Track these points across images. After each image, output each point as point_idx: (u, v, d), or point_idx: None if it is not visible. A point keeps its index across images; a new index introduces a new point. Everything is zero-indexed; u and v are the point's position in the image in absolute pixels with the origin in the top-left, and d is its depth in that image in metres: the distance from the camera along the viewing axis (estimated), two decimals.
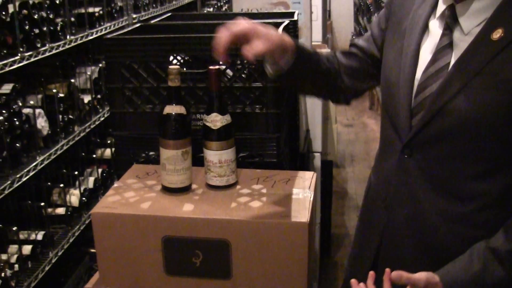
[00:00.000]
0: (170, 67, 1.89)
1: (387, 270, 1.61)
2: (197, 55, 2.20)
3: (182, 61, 2.30)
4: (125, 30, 2.41)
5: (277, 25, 2.28)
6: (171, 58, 2.24)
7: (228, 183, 1.97)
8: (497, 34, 1.57)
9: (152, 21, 2.68)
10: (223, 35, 1.63)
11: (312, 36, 3.91)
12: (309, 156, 3.61)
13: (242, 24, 1.65)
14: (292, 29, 2.52)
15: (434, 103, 1.65)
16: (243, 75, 2.11)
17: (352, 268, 2.11)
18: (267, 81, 2.08)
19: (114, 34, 2.27)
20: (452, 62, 1.66)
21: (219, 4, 7.56)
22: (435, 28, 1.73)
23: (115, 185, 2.02)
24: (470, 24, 1.64)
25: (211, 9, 7.12)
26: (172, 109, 1.90)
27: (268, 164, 2.15)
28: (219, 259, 1.80)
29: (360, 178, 6.02)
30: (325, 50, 4.14)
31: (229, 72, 2.16)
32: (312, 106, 3.63)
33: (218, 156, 1.94)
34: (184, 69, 2.15)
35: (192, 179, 1.98)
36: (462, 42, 1.65)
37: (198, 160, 2.03)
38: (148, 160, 2.22)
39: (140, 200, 1.90)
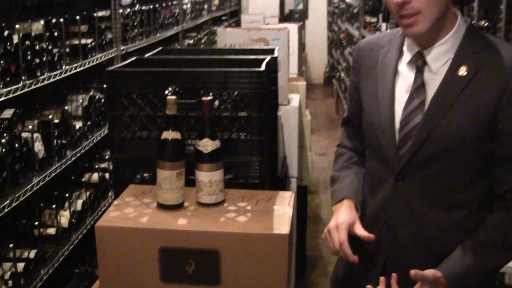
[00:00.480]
0: (168, 97, 2.14)
1: (394, 274, 1.90)
2: (188, 87, 2.45)
3: (173, 92, 2.53)
4: (124, 63, 2.67)
5: (259, 61, 2.55)
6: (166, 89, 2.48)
7: (217, 201, 2.21)
8: (462, 71, 1.90)
9: (146, 55, 2.93)
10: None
11: (291, 69, 4.18)
12: (286, 180, 3.86)
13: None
14: (273, 65, 2.78)
15: (420, 133, 1.94)
16: (228, 106, 2.37)
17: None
18: (251, 111, 2.34)
19: (115, 66, 2.52)
20: (428, 97, 1.96)
21: (198, 37, 7.85)
22: (406, 71, 2.03)
23: (115, 202, 2.25)
24: (437, 65, 1.95)
25: (191, 41, 7.39)
26: (169, 135, 2.15)
27: (251, 185, 2.40)
28: (210, 267, 2.04)
29: None
30: (302, 83, 4.42)
31: (216, 103, 2.40)
32: (289, 135, 3.86)
33: (208, 177, 2.18)
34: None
35: (185, 197, 2.21)
36: (432, 80, 1.96)
37: (189, 181, 2.27)
38: (143, 180, 2.45)
39: (138, 215, 2.14)
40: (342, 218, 2.05)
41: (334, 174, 2.31)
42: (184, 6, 7.15)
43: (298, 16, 12.83)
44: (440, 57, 1.95)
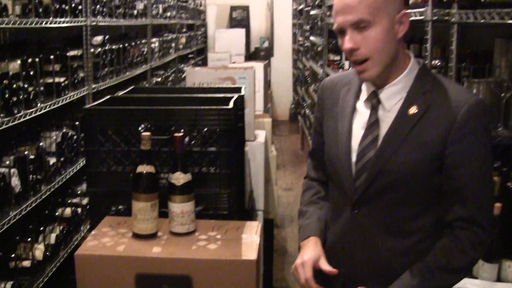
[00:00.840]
0: (143, 133, 2.31)
1: None
2: (161, 124, 2.60)
3: (146, 128, 2.68)
4: (100, 101, 2.82)
5: (227, 99, 2.72)
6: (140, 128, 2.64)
7: (189, 231, 2.36)
8: (412, 110, 2.06)
9: (120, 94, 3.08)
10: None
11: (257, 107, 4.35)
12: (253, 213, 4.01)
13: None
14: (240, 103, 2.95)
15: (374, 166, 2.10)
16: (199, 142, 2.53)
17: None
18: (220, 146, 2.51)
19: (92, 105, 2.68)
20: (382, 133, 2.12)
21: (166, 75, 8.03)
22: (363, 108, 2.19)
23: (93, 232, 2.39)
24: (390, 103, 2.12)
25: (159, 79, 7.56)
26: (144, 168, 2.30)
27: (221, 216, 2.55)
28: None
29: None
30: (267, 120, 4.59)
31: (186, 139, 2.56)
32: (255, 170, 4.01)
33: (180, 208, 2.33)
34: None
35: (158, 227, 2.36)
36: (386, 118, 2.12)
37: (162, 213, 2.41)
38: (118, 212, 2.60)
39: (115, 244, 2.28)
40: (308, 256, 2.20)
41: (302, 209, 2.45)
42: (152, 45, 7.32)
43: (264, 54, 13.09)
44: (393, 97, 2.12)
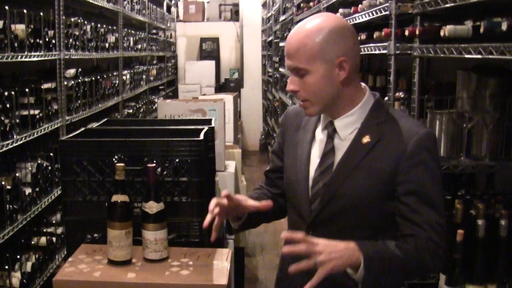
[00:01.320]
0: (117, 164, 2.43)
1: None
2: (134, 155, 2.71)
3: (120, 159, 2.79)
4: (74, 133, 2.93)
5: (198, 131, 2.84)
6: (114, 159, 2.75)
7: (162, 257, 2.47)
8: (365, 139, 2.21)
9: (94, 126, 3.20)
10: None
11: (227, 137, 4.49)
12: (224, 241, 4.11)
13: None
14: (211, 134, 3.08)
15: (327, 191, 2.24)
16: (171, 172, 2.65)
17: None
18: (191, 176, 2.63)
19: (67, 137, 2.80)
20: (336, 160, 2.27)
21: (137, 106, 8.14)
22: (320, 137, 2.35)
23: (70, 259, 2.49)
24: (345, 133, 2.27)
25: (131, 110, 7.66)
26: (118, 198, 2.42)
27: (192, 243, 2.67)
28: None
29: (270, 266, 6.49)
30: (237, 151, 4.72)
31: (159, 170, 2.67)
32: None
33: (154, 235, 2.44)
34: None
35: (132, 254, 2.47)
36: (341, 146, 2.27)
37: (136, 241, 2.52)
38: (94, 240, 2.70)
39: (91, 270, 2.38)
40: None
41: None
42: (124, 77, 7.44)
43: (234, 85, 13.24)
44: (348, 127, 2.27)
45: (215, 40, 14.04)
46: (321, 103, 2.22)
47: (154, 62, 11.31)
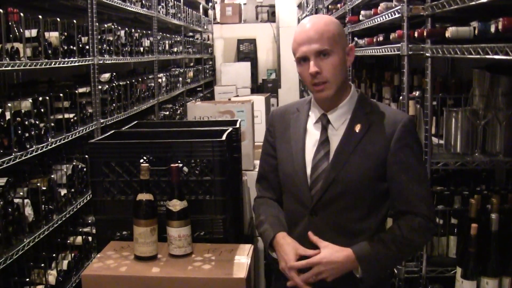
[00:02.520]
0: (142, 165, 2.55)
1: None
2: (160, 156, 2.83)
3: (147, 160, 2.92)
4: (103, 136, 3.06)
5: (222, 132, 2.95)
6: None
7: (186, 253, 2.59)
8: (357, 128, 2.47)
9: (123, 129, 3.33)
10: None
11: (256, 137, 4.57)
12: (253, 239, 4.21)
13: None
14: (235, 135, 3.19)
15: (328, 176, 2.45)
16: (196, 171, 2.76)
17: None
18: (214, 175, 2.74)
19: (96, 139, 2.93)
20: (332, 149, 2.49)
21: (174, 108, 8.27)
22: (313, 129, 2.57)
23: (98, 255, 2.62)
24: (338, 123, 2.52)
25: (167, 112, 7.80)
26: (143, 196, 2.54)
27: (216, 239, 2.77)
28: None
29: None
30: None
31: (185, 169, 2.79)
32: (254, 195, 4.22)
33: (178, 232, 2.56)
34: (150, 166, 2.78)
35: (158, 250, 2.59)
36: (334, 136, 2.51)
37: (163, 238, 2.64)
38: (122, 238, 2.82)
39: (118, 265, 2.51)
40: (289, 255, 2.46)
41: (259, 219, 2.70)
42: (159, 80, 7.58)
43: (271, 85, 13.35)
44: (340, 118, 2.52)
45: (252, 42, 14.16)
46: (337, 85, 2.45)
47: (191, 64, 11.46)
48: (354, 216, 2.47)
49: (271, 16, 14.63)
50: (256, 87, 13.43)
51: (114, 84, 5.33)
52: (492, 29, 2.39)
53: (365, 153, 2.44)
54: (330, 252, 2.39)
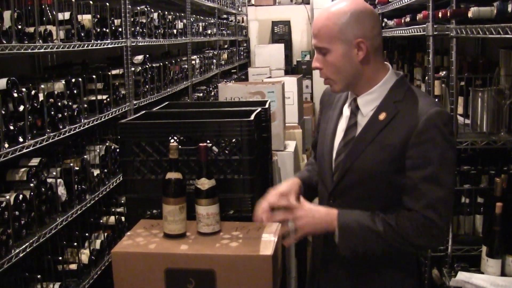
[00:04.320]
0: (171, 144, 2.59)
1: None
2: (190, 136, 2.87)
3: (177, 140, 2.96)
4: (134, 116, 3.11)
5: (251, 112, 2.98)
6: (170, 138, 2.91)
7: (214, 231, 2.62)
8: (382, 116, 2.38)
9: (154, 109, 3.37)
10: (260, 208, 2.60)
11: (287, 118, 4.60)
12: None
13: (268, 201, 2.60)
14: (264, 115, 3.21)
15: (345, 164, 2.43)
16: (226, 151, 2.79)
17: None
18: (243, 155, 2.77)
19: (127, 119, 2.97)
20: (357, 135, 2.43)
21: (208, 90, 8.31)
22: (347, 113, 2.52)
23: (128, 233, 2.67)
24: (367, 109, 2.44)
25: (201, 94, 7.84)
26: (172, 175, 2.58)
27: (244, 218, 2.80)
28: (208, 285, 2.43)
29: None
30: (298, 131, 4.83)
31: (215, 148, 2.83)
32: (286, 177, 4.25)
33: (206, 210, 2.60)
34: (179, 146, 2.82)
35: (187, 228, 2.63)
36: (362, 122, 2.44)
37: (192, 216, 2.68)
38: (152, 216, 2.87)
39: (147, 243, 2.55)
40: (280, 188, 2.61)
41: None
42: (193, 62, 7.61)
43: (306, 67, 13.32)
44: (369, 104, 2.44)
45: (287, 23, 14.11)
46: (342, 81, 2.38)
47: (226, 46, 11.48)
48: (369, 207, 2.40)
49: None
50: (291, 69, 13.40)
51: (147, 66, 5.38)
52: (510, 8, 2.37)
53: (383, 143, 2.35)
54: (314, 206, 2.43)
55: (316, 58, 2.39)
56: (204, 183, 2.60)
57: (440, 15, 3.14)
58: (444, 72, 3.51)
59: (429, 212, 2.28)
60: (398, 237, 2.33)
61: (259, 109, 3.12)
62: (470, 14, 2.72)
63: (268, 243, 2.52)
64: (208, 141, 2.78)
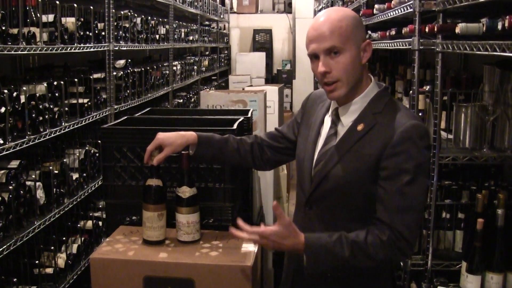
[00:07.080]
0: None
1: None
2: None
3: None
4: (116, 121, 3.09)
5: (234, 121, 2.98)
6: None
7: (194, 239, 2.62)
8: (360, 127, 2.38)
9: (136, 115, 3.36)
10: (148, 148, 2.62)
11: (268, 128, 4.60)
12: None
13: (157, 139, 2.62)
14: (246, 124, 3.21)
15: (321, 172, 2.43)
16: None
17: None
18: (225, 163, 2.77)
19: (109, 125, 2.96)
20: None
21: (188, 96, 8.30)
22: (327, 122, 2.53)
23: (107, 239, 2.66)
24: (347, 120, 2.44)
25: (181, 100, 7.83)
26: (153, 182, 2.58)
27: (225, 227, 2.80)
28: None
29: None
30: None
31: None
32: (265, 187, 4.26)
33: (186, 218, 2.60)
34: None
35: (166, 235, 2.62)
36: (342, 131, 2.45)
37: (172, 224, 2.67)
38: (132, 222, 2.86)
39: (126, 250, 2.54)
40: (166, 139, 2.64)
41: None
42: (174, 68, 7.60)
43: (286, 76, 13.36)
44: (350, 115, 2.44)
45: (268, 32, 14.17)
46: (349, 84, 2.37)
47: (207, 53, 11.48)
48: (342, 216, 2.42)
49: (288, 7, 14.60)
50: (271, 78, 13.44)
51: (129, 71, 5.36)
52: (499, 26, 2.39)
53: (359, 153, 2.35)
54: (282, 235, 2.28)
55: (324, 61, 2.34)
56: (185, 191, 2.60)
57: (427, 29, 3.16)
58: (428, 87, 3.53)
59: (397, 224, 2.28)
60: (366, 258, 2.30)
61: (242, 118, 3.12)
62: (458, 30, 2.73)
63: (248, 253, 2.52)
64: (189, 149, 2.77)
